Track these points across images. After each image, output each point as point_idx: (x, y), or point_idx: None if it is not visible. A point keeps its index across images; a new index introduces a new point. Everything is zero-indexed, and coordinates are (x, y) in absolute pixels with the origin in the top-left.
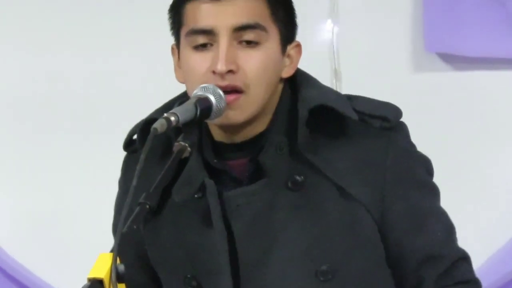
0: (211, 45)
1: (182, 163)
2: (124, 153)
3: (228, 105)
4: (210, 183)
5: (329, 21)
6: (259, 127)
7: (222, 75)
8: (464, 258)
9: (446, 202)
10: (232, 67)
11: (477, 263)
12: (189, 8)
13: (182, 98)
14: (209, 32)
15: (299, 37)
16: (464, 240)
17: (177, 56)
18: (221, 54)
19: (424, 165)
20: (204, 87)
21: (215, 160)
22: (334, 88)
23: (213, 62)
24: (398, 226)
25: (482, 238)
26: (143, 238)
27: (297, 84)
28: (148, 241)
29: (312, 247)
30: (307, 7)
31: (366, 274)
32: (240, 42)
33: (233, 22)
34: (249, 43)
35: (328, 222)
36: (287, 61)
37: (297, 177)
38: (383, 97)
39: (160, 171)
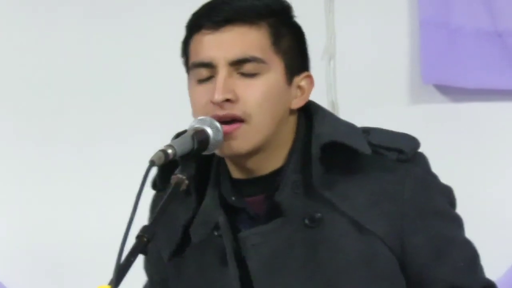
0: (213, 77)
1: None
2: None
3: (230, 135)
4: (224, 222)
5: (326, 54)
6: (275, 162)
7: (220, 105)
8: (489, 287)
9: None
10: (229, 96)
11: None
12: (193, 42)
13: None
14: (209, 65)
15: None
16: None
17: None
18: (218, 84)
19: (445, 195)
20: (201, 120)
21: (233, 198)
22: None
23: (212, 93)
24: (419, 258)
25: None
26: (168, 276)
27: (310, 117)
28: (173, 280)
29: (331, 283)
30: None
31: None
32: (240, 73)
33: (228, 56)
34: (249, 74)
35: (346, 258)
36: (297, 92)
37: (315, 214)
38: None
39: (182, 209)
